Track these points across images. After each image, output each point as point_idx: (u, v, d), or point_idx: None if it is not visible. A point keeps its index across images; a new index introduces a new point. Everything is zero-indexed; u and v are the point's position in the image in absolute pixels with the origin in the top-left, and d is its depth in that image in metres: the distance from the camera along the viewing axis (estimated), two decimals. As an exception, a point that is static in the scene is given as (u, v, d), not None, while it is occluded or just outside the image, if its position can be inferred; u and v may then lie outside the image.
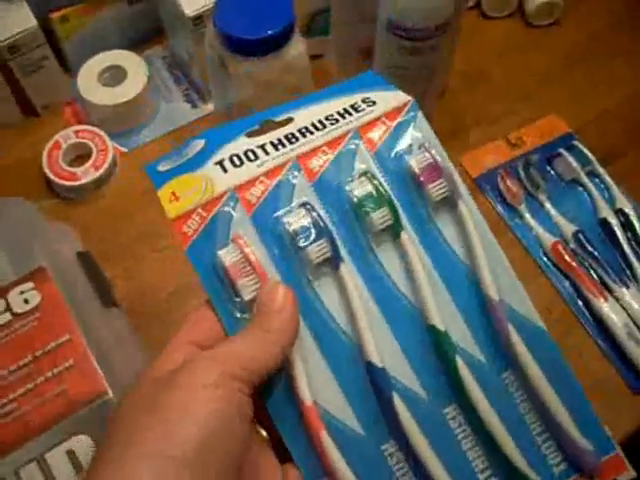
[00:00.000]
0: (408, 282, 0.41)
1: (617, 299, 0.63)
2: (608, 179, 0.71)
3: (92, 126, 0.72)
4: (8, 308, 0.52)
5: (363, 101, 0.44)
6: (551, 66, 0.82)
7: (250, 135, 0.43)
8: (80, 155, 0.71)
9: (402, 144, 0.43)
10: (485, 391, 0.40)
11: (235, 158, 0.41)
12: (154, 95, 0.75)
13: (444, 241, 0.42)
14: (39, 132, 0.73)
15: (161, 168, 0.42)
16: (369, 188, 0.41)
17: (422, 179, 0.42)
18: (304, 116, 0.44)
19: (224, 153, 0.42)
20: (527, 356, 0.40)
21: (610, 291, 0.64)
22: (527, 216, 0.69)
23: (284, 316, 0.36)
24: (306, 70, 0.61)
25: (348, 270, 0.40)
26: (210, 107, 0.74)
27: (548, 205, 0.69)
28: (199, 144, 0.42)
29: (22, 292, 0.52)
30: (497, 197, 0.70)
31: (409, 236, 0.41)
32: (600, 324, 0.63)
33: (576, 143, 0.73)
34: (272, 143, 0.42)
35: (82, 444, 0.47)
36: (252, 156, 0.42)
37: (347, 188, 0.41)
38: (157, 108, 0.75)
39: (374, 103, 0.44)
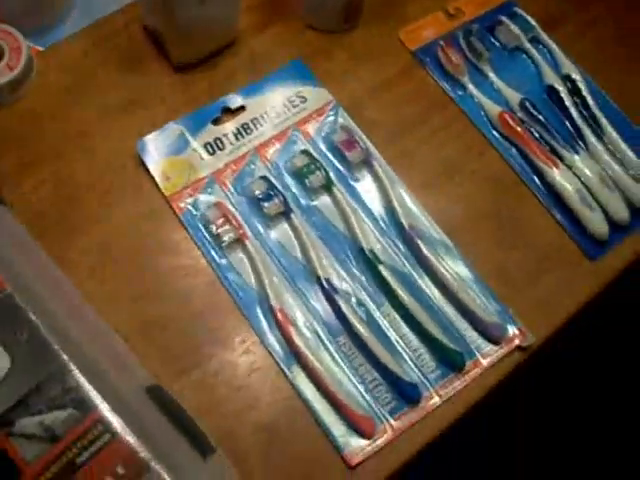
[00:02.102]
0: (342, 220, 0.61)
1: (568, 166, 0.64)
2: (552, 45, 0.71)
3: (2, 24, 0.67)
4: None
5: (297, 95, 0.66)
6: None
7: (216, 122, 0.64)
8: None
9: (328, 129, 0.65)
10: (409, 291, 0.58)
11: (209, 146, 0.63)
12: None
13: (365, 190, 0.63)
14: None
15: (150, 146, 0.62)
16: (307, 160, 0.62)
17: (342, 149, 0.62)
18: (253, 106, 0.65)
19: (200, 141, 0.63)
20: (437, 263, 0.59)
21: (561, 158, 0.64)
22: (471, 87, 0.68)
23: None
24: None
25: (297, 217, 0.60)
26: (132, -5, 0.69)
27: (492, 75, 0.69)
28: (178, 130, 0.63)
29: None
30: (438, 69, 0.69)
31: (338, 189, 0.61)
32: (552, 192, 0.64)
33: (517, 10, 0.72)
34: (233, 132, 0.64)
35: None
36: (221, 145, 0.63)
37: (291, 162, 0.62)
38: (71, 2, 0.71)
39: (305, 99, 0.66)
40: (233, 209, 0.60)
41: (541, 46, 0.71)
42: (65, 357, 0.45)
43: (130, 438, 0.44)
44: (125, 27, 0.69)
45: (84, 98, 0.66)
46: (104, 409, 0.45)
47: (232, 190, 0.61)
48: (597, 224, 0.62)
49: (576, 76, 0.68)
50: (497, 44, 0.71)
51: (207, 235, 0.59)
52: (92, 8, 0.71)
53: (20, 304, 0.48)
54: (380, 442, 0.54)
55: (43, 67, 0.67)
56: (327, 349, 0.56)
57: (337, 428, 0.54)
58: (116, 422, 0.44)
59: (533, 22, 0.71)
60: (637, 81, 0.71)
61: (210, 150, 0.62)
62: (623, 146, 0.66)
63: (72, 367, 0.45)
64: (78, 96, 0.66)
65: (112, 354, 0.50)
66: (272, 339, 0.56)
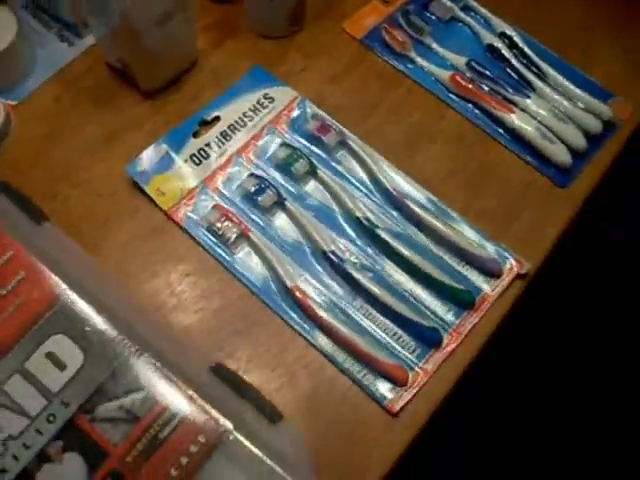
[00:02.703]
0: (332, 199, 0.65)
1: (523, 110, 0.70)
2: (483, 10, 0.77)
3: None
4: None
5: (265, 97, 0.70)
6: None
7: (196, 135, 0.68)
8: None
9: (301, 120, 0.69)
10: (408, 248, 0.62)
11: (194, 157, 0.66)
12: (27, 43, 0.74)
13: (346, 167, 0.67)
14: None
15: (139, 168, 0.65)
16: (288, 151, 0.66)
17: (319, 134, 0.67)
18: (227, 114, 0.69)
19: (184, 155, 0.66)
20: (428, 217, 0.63)
21: (515, 104, 0.70)
22: (419, 60, 0.73)
23: None
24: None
25: (291, 204, 0.64)
26: (88, 41, 0.74)
27: (435, 45, 0.74)
28: (162, 148, 0.66)
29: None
30: (386, 50, 0.74)
31: (323, 172, 0.66)
32: (514, 136, 0.69)
33: None
34: (214, 141, 0.67)
35: (59, 343, 0.49)
36: (205, 154, 0.66)
37: (275, 156, 0.66)
38: (34, 56, 0.74)
39: (273, 99, 0.70)
40: (231, 208, 0.64)
41: (473, 13, 0.78)
42: (133, 345, 0.48)
43: (206, 410, 0.47)
44: (89, 69, 0.73)
45: (64, 141, 0.69)
46: (178, 386, 0.47)
47: (225, 193, 0.65)
48: (560, 155, 0.68)
49: (510, 32, 0.75)
50: (434, 18, 0.77)
51: (212, 236, 0.63)
52: (53, 59, 0.74)
53: (84, 304, 0.50)
54: (415, 386, 0.57)
55: (19, 119, 0.70)
56: (347, 314, 0.60)
57: (373, 382, 0.57)
58: (191, 396, 0.47)
59: (460, -8, 0.78)
60: (562, 23, 0.78)
61: (197, 161, 0.66)
62: (567, 83, 0.72)
63: (141, 353, 0.48)
64: (58, 140, 0.69)
65: (173, 341, 0.53)
66: (295, 317, 0.60)
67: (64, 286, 0.51)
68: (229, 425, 0.47)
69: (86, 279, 0.52)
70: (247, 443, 0.46)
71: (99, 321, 0.49)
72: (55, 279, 0.51)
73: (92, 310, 0.50)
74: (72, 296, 0.50)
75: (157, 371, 0.48)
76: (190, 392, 0.48)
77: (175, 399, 0.47)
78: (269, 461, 0.46)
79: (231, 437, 0.46)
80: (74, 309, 0.50)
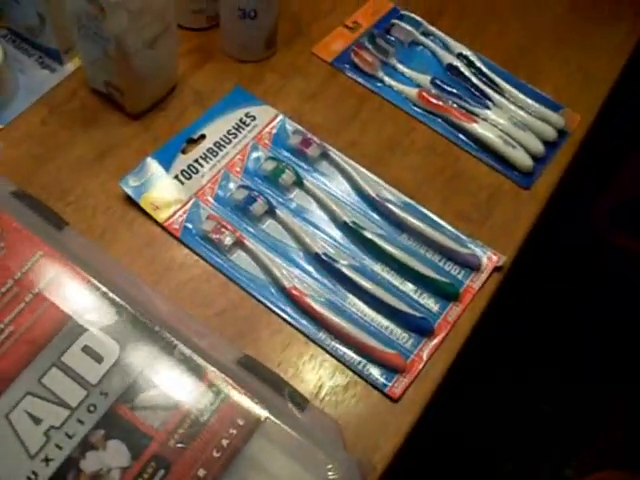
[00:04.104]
0: (319, 206, 0.69)
1: (485, 120, 0.76)
2: (440, 34, 0.84)
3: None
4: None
5: (246, 116, 0.74)
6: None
7: (184, 152, 0.70)
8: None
9: (283, 136, 0.72)
10: (394, 246, 0.66)
11: (185, 173, 0.69)
12: (10, 69, 0.75)
13: (328, 176, 0.71)
14: None
15: (132, 183, 0.67)
16: (274, 164, 0.70)
17: (301, 148, 0.71)
18: (212, 132, 0.72)
19: (175, 170, 0.69)
20: (410, 219, 0.68)
21: (477, 115, 0.77)
22: (387, 79, 0.79)
23: None
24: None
25: (281, 212, 0.67)
26: (69, 67, 0.76)
27: (400, 66, 0.81)
28: (153, 164, 0.69)
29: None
30: (355, 71, 0.80)
31: (308, 181, 0.70)
32: (479, 143, 0.75)
33: (403, 12, 0.86)
34: (202, 157, 0.70)
35: (93, 337, 0.50)
36: (194, 170, 0.69)
37: (262, 168, 0.70)
38: (17, 81, 0.76)
39: (255, 118, 0.74)
40: (224, 218, 0.67)
41: (432, 36, 0.84)
42: (168, 336, 0.50)
43: (240, 396, 0.50)
44: (74, 93, 0.75)
45: (55, 160, 0.71)
46: (214, 372, 0.49)
47: (216, 204, 0.68)
48: (522, 159, 0.74)
49: (467, 52, 0.82)
50: (397, 41, 0.83)
51: (208, 245, 0.65)
52: (35, 85, 0.76)
53: (116, 299, 0.53)
54: (413, 372, 0.61)
55: (7, 142, 0.71)
56: (342, 311, 0.63)
57: (374, 371, 0.61)
58: (226, 383, 0.50)
59: (419, 19, 0.85)
60: (510, 44, 0.85)
61: (187, 176, 0.69)
62: (521, 96, 0.79)
63: (176, 343, 0.50)
64: (48, 159, 0.71)
65: (202, 333, 0.55)
66: (294, 315, 0.63)
67: (95, 282, 0.53)
68: (264, 411, 0.49)
69: (114, 276, 0.54)
70: (283, 426, 0.49)
71: (133, 314, 0.51)
72: (85, 276, 0.53)
73: (125, 304, 0.52)
74: (104, 292, 0.53)
75: (191, 361, 0.49)
76: (225, 380, 0.49)
77: (214, 384, 0.50)
78: (306, 441, 0.48)
79: (267, 420, 0.48)
80: (107, 304, 0.52)
